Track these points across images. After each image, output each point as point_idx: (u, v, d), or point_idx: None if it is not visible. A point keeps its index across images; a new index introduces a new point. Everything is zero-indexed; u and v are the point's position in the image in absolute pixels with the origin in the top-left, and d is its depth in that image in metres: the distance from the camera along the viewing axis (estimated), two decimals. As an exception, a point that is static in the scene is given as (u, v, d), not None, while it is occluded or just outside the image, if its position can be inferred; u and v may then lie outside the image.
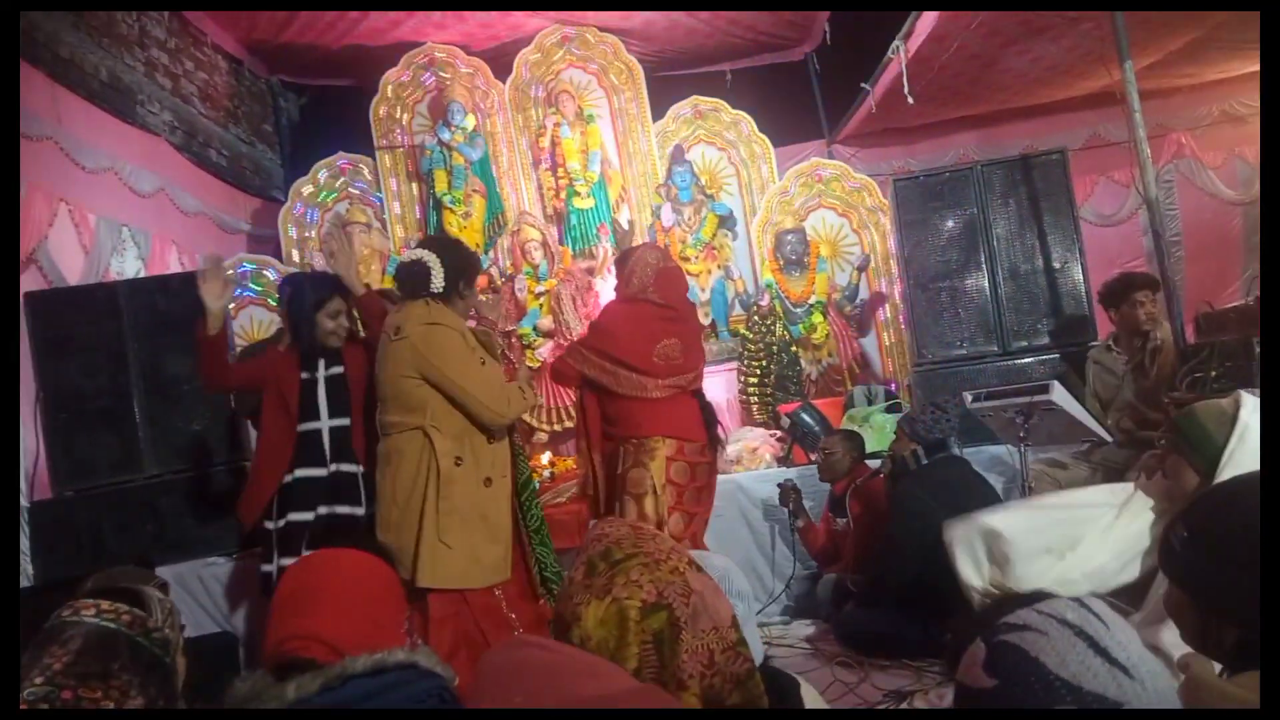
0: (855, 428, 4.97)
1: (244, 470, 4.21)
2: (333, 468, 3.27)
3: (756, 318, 6.07)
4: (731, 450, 5.05)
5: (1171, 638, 1.81)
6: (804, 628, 4.15)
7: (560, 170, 6.58)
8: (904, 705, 3.01)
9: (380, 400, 3.07)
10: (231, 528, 4.14)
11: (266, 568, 3.35)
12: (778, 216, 6.53)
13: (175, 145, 5.99)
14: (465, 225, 6.39)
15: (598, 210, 6.57)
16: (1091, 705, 0.89)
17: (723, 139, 6.89)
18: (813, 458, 4.58)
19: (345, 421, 3.32)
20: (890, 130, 7.27)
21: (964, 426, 4.04)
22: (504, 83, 6.78)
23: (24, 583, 3.88)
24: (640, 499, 3.48)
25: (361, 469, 3.31)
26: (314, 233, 6.63)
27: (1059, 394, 3.39)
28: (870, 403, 5.39)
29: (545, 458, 5.39)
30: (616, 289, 3.83)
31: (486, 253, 6.44)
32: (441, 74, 6.78)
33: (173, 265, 5.64)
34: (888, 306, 6.39)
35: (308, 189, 6.69)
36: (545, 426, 5.94)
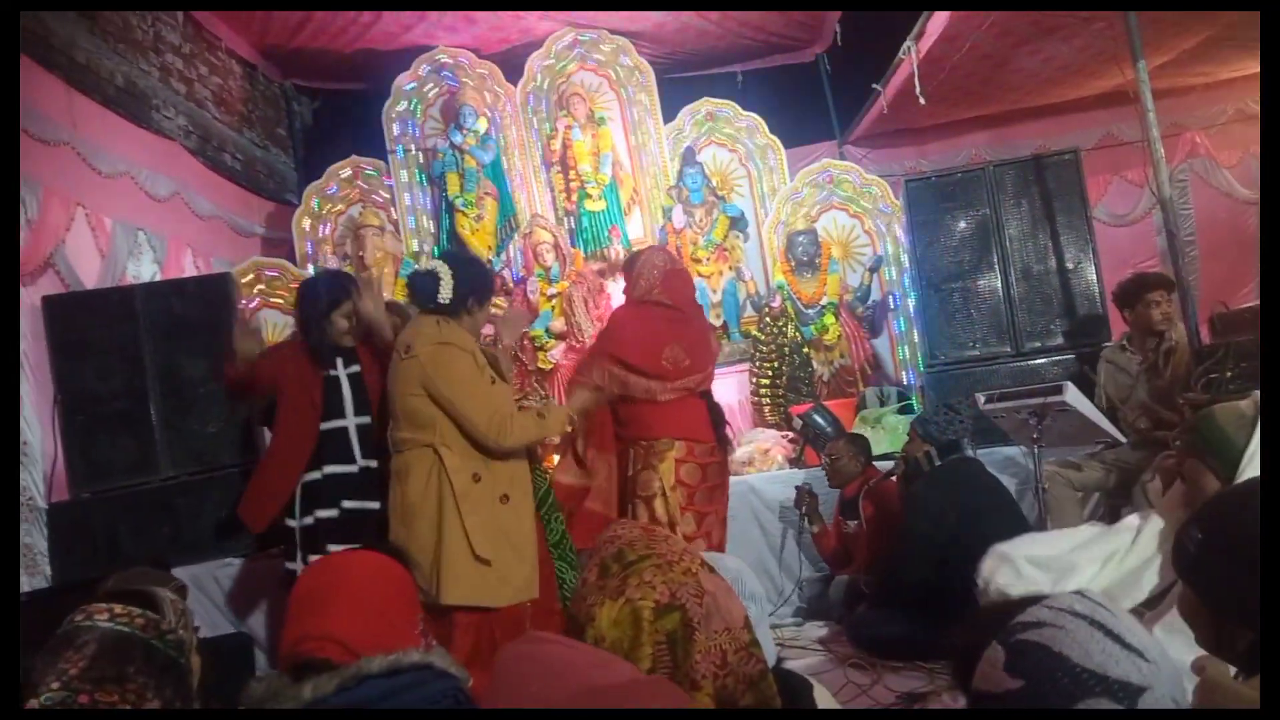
0: (868, 429, 4.96)
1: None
2: (362, 464, 3.31)
3: (768, 319, 6.07)
4: (743, 452, 5.05)
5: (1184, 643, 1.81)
6: (817, 629, 4.14)
7: (572, 173, 6.59)
8: (917, 707, 3.00)
9: (391, 417, 3.08)
10: (248, 529, 4.16)
11: (291, 565, 3.37)
12: (789, 218, 6.52)
13: (190, 149, 6.03)
14: (477, 228, 6.41)
15: (609, 212, 6.58)
16: (1118, 692, 0.90)
17: (734, 141, 6.89)
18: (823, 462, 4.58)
19: (368, 419, 3.36)
20: (902, 131, 7.25)
21: (977, 427, 4.03)
22: (515, 86, 6.80)
23: (41, 584, 3.92)
24: (649, 501, 3.48)
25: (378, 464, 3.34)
26: (327, 231, 6.68)
27: (1072, 395, 3.38)
28: (883, 404, 5.38)
29: (557, 459, 5.39)
30: (625, 291, 3.85)
31: (498, 255, 6.46)
32: (453, 77, 6.81)
33: (188, 269, 5.69)
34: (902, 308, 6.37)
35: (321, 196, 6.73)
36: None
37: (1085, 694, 0.90)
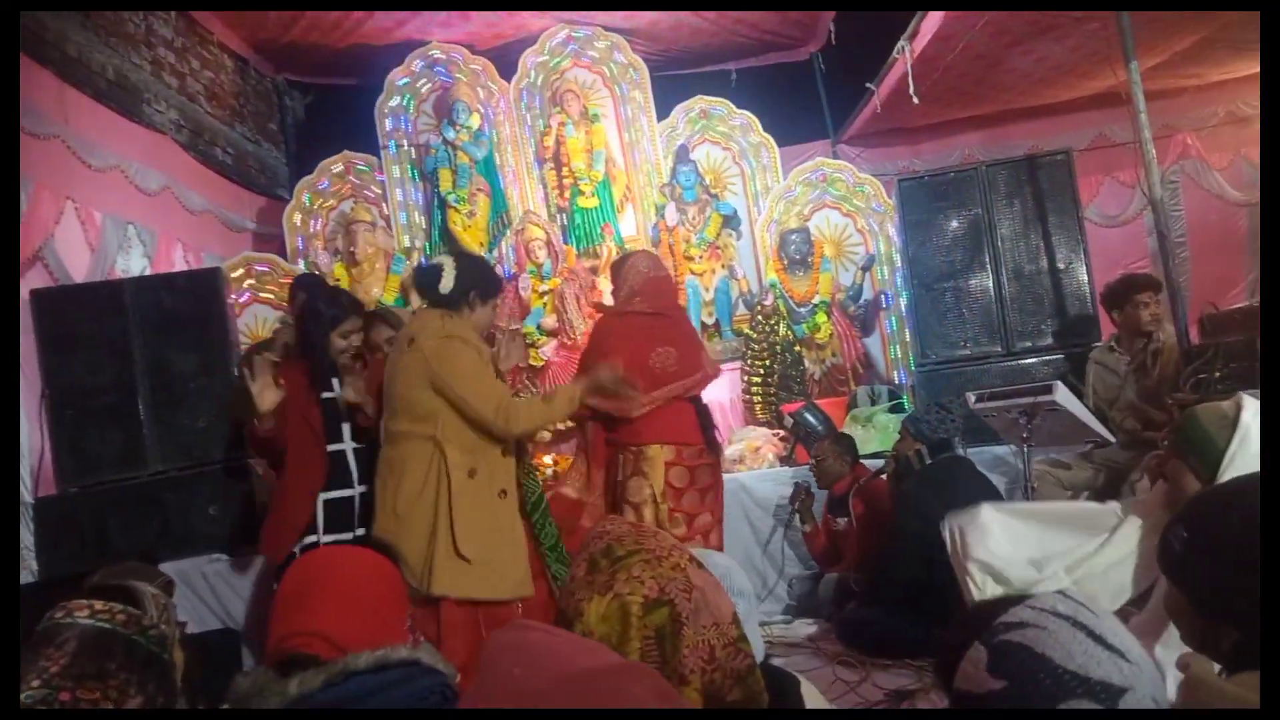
0: (859, 428, 4.98)
1: (248, 467, 4.22)
2: (361, 489, 3.28)
3: (760, 317, 6.08)
4: (735, 449, 5.05)
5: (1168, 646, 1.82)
6: (806, 627, 4.16)
7: (565, 169, 6.58)
8: (905, 705, 3.01)
9: (389, 409, 3.06)
10: (235, 525, 4.16)
11: None
12: (782, 216, 6.53)
13: (181, 144, 6.01)
14: (470, 224, 6.40)
15: (602, 209, 6.58)
16: (1100, 693, 0.90)
17: (727, 139, 6.89)
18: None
19: (364, 444, 3.35)
20: (895, 130, 7.27)
21: (968, 427, 4.05)
22: (509, 82, 6.79)
23: (28, 579, 3.90)
24: (639, 507, 3.48)
25: None
26: (319, 227, 6.66)
27: (1062, 394, 3.39)
28: (874, 403, 5.39)
29: (549, 458, 5.40)
30: (612, 294, 3.86)
31: (491, 251, 6.45)
32: (446, 73, 6.80)
33: (178, 263, 5.66)
34: (893, 307, 6.39)
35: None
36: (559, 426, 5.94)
37: (1067, 695, 0.90)
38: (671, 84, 7.25)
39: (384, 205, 6.68)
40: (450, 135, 6.46)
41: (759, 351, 6.00)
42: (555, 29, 6.83)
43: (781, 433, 5.20)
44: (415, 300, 4.79)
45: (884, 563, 3.70)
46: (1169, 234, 4.50)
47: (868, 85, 6.48)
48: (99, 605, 1.42)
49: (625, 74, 6.85)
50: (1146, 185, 4.27)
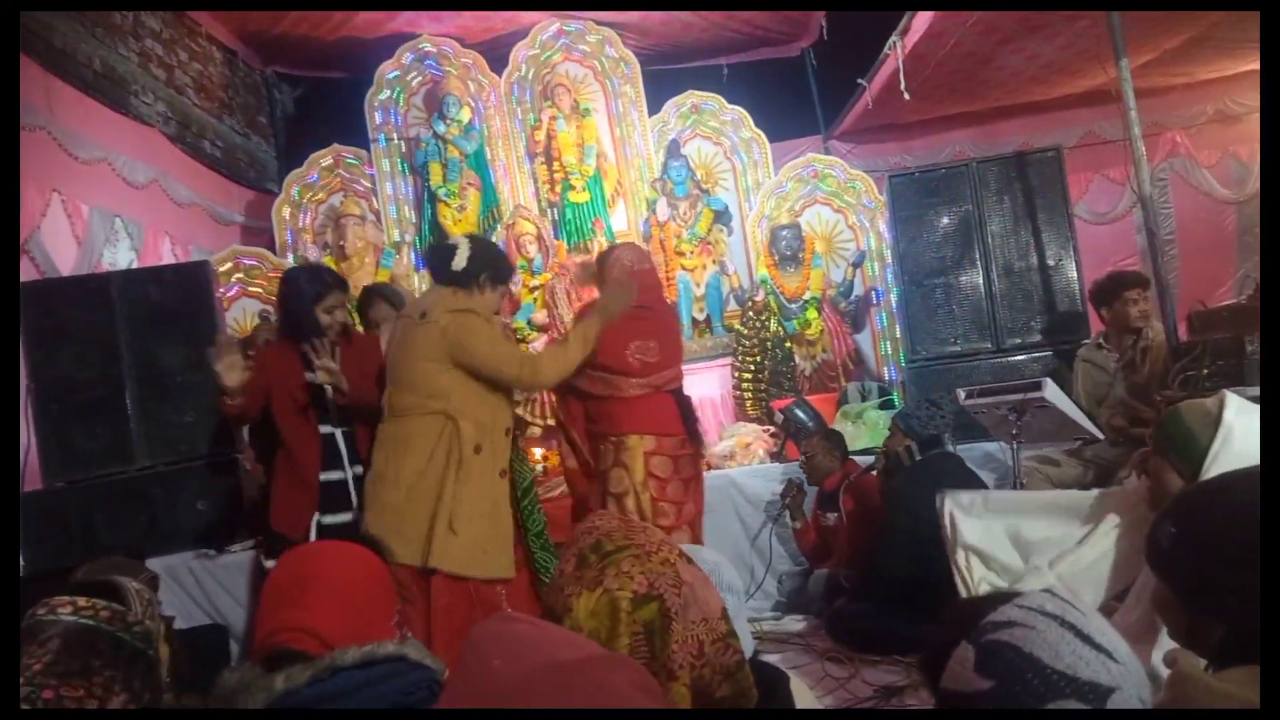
0: (849, 424, 4.98)
1: (235, 462, 4.21)
2: (353, 471, 3.27)
3: (751, 313, 6.08)
4: (725, 446, 5.05)
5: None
6: (795, 623, 4.16)
7: (556, 164, 6.57)
8: (894, 701, 3.02)
9: (394, 382, 3.06)
10: (223, 520, 4.14)
11: (269, 563, 3.34)
12: (773, 212, 6.53)
13: (169, 136, 5.97)
14: (460, 218, 6.38)
15: (593, 204, 6.56)
16: (1088, 693, 0.90)
17: (719, 134, 6.88)
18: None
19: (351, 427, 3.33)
20: (886, 126, 7.28)
21: (957, 423, 4.05)
22: (500, 76, 6.76)
23: (15, 574, 3.87)
24: (620, 498, 3.47)
25: None
26: (308, 220, 6.63)
27: (1051, 391, 3.40)
28: (864, 399, 5.40)
29: (538, 452, 5.39)
30: (598, 287, 3.85)
31: (481, 246, 6.42)
32: (437, 66, 6.77)
33: (166, 256, 5.63)
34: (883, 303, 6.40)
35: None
36: (539, 421, 5.93)
37: (1055, 695, 0.90)
38: (663, 79, 7.24)
39: (374, 199, 6.65)
40: (440, 129, 6.44)
41: (750, 347, 6.00)
42: (546, 23, 6.81)
43: (772, 429, 5.20)
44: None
45: (874, 559, 3.71)
46: (1158, 231, 4.52)
47: (859, 81, 6.48)
48: (82, 602, 1.41)
49: (617, 68, 6.83)
50: (1136, 182, 4.28)
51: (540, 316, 6.11)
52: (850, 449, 4.49)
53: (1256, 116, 6.00)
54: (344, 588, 1.42)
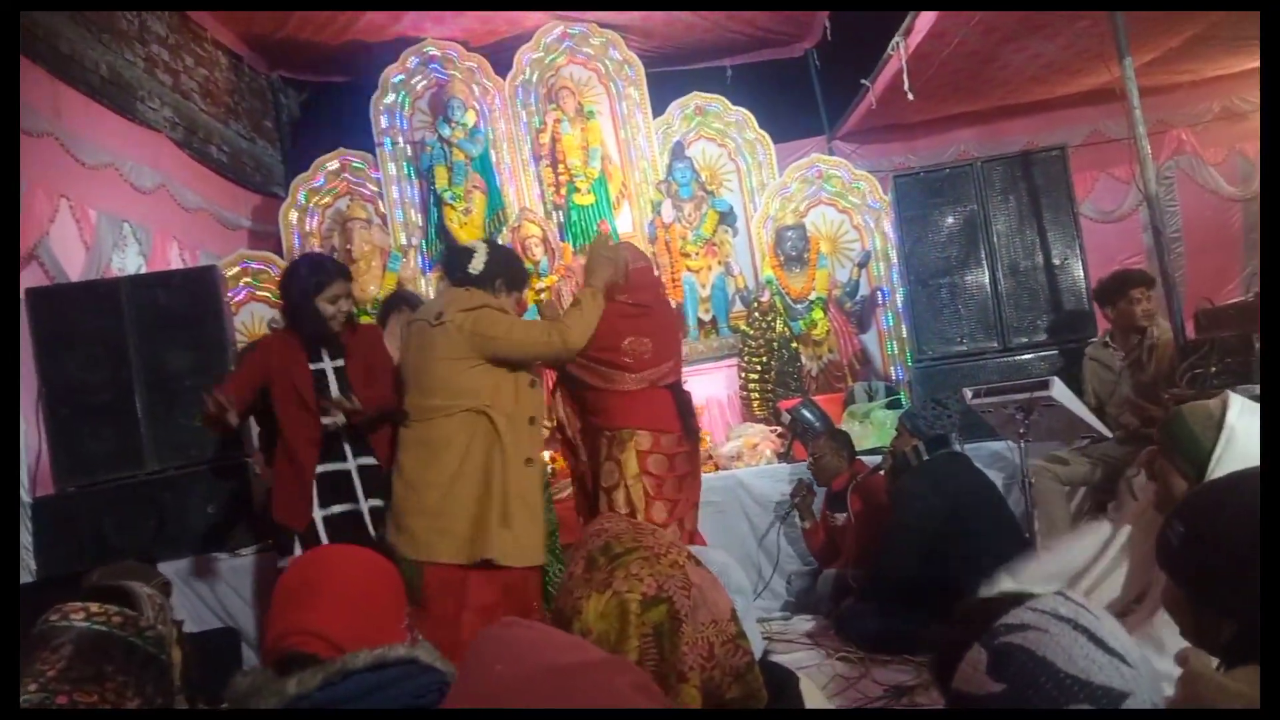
0: (856, 424, 4.98)
1: (245, 466, 4.22)
2: (356, 462, 3.26)
3: (757, 314, 6.08)
4: (732, 446, 5.05)
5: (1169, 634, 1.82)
6: (804, 623, 4.16)
7: (561, 166, 6.58)
8: (904, 700, 3.02)
9: (415, 386, 3.08)
10: (232, 523, 4.15)
11: (283, 563, 3.32)
12: (778, 213, 6.53)
13: (176, 141, 5.99)
14: (466, 221, 6.39)
15: (598, 207, 6.57)
16: (1101, 698, 0.90)
17: (723, 135, 6.88)
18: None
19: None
20: (891, 126, 7.27)
21: (964, 422, 4.05)
22: (504, 79, 6.77)
23: (26, 579, 3.89)
24: (610, 491, 3.47)
25: (377, 461, 3.29)
26: (315, 224, 6.65)
27: (1059, 390, 3.39)
28: (870, 399, 5.39)
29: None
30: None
31: (487, 249, 6.43)
32: (441, 70, 6.78)
33: (174, 261, 5.65)
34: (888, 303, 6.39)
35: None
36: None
37: (1068, 700, 0.90)
38: (667, 80, 7.24)
39: (380, 203, 6.67)
40: (446, 132, 6.45)
41: (756, 348, 6.00)
42: (550, 26, 6.81)
43: (779, 429, 5.20)
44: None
45: (882, 559, 3.71)
46: (1164, 229, 4.51)
47: (863, 81, 6.48)
48: (94, 608, 1.42)
49: (621, 70, 6.84)
50: (1141, 181, 4.27)
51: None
52: (857, 449, 4.49)
53: (1263, 113, 5.97)
54: (354, 591, 1.43)
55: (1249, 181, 7.11)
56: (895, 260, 5.94)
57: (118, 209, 5.15)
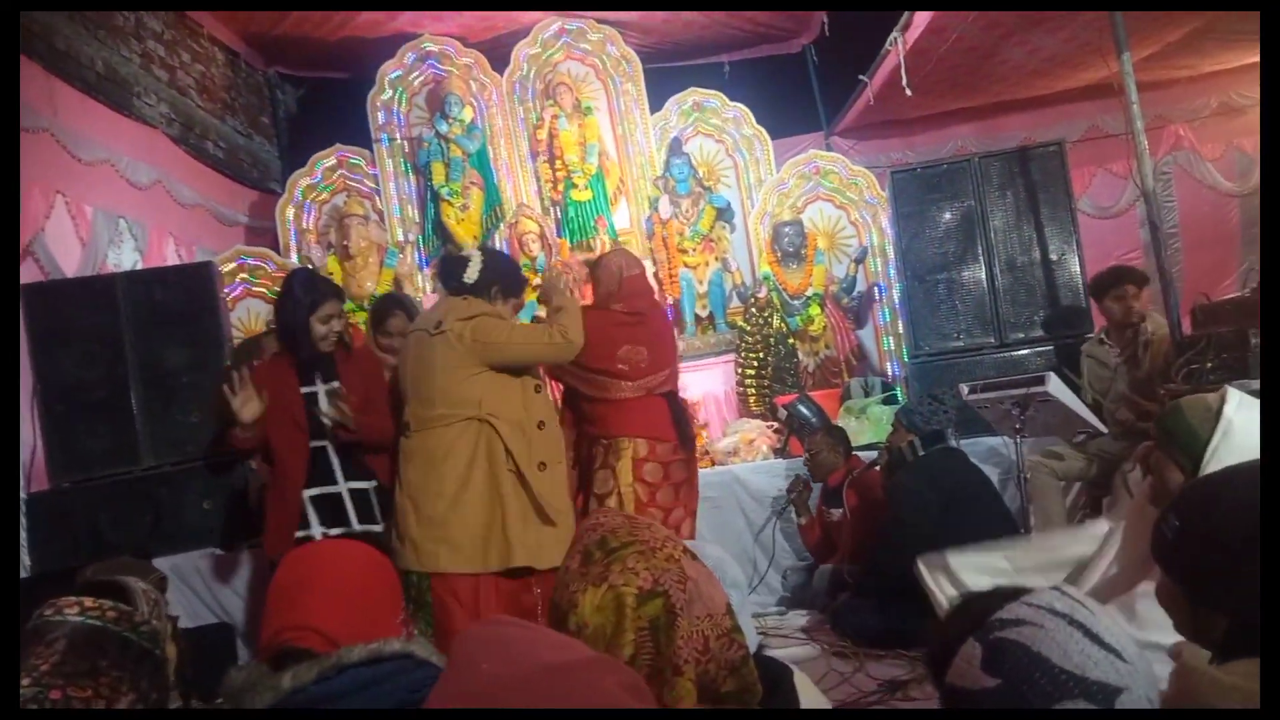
0: (852, 420, 4.99)
1: (241, 462, 4.21)
2: (347, 485, 3.22)
3: (754, 310, 6.08)
4: (728, 442, 5.06)
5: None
6: (800, 618, 4.17)
7: (558, 162, 6.57)
8: (898, 694, 3.02)
9: (415, 396, 3.06)
10: (229, 519, 4.15)
11: None
12: (775, 209, 6.53)
13: (172, 137, 5.98)
14: (463, 217, 6.38)
15: (595, 203, 6.56)
16: (1096, 694, 0.90)
17: (721, 131, 6.88)
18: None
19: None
20: (888, 122, 7.26)
21: (960, 418, 4.06)
22: (501, 75, 6.76)
23: (21, 574, 3.89)
24: (603, 499, 3.47)
25: (374, 484, 3.27)
26: (311, 220, 6.64)
27: (1055, 386, 3.40)
28: (867, 394, 5.40)
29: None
30: (591, 295, 3.86)
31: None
32: (439, 66, 6.77)
33: (170, 257, 5.64)
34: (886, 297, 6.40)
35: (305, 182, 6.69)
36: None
37: (1063, 695, 0.90)
38: (664, 76, 7.22)
39: (377, 199, 6.65)
40: (443, 128, 6.44)
41: (753, 344, 6.00)
42: (547, 21, 6.80)
43: (775, 425, 5.21)
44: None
45: (877, 554, 3.71)
46: (1161, 225, 4.51)
47: (860, 77, 6.47)
48: (89, 603, 1.42)
49: (618, 66, 6.83)
50: (1139, 176, 4.27)
51: (544, 314, 6.11)
52: (854, 445, 4.50)
53: (1260, 109, 5.97)
54: (348, 586, 1.43)
55: (1246, 177, 7.12)
56: (892, 256, 5.95)
57: (114, 205, 5.14)
